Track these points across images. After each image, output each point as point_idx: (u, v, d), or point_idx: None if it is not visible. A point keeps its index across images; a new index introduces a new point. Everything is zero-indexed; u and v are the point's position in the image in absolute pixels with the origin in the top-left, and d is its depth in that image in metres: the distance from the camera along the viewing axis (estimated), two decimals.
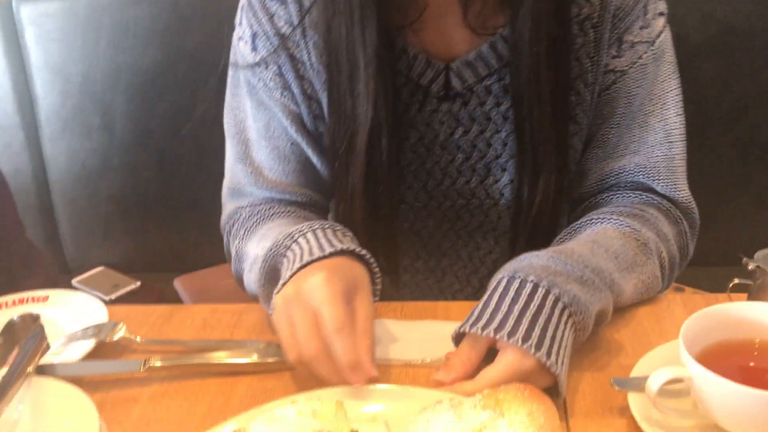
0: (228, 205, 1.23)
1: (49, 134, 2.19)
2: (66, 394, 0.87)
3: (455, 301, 1.17)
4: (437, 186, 1.17)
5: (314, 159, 1.18)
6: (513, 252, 1.18)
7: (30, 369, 0.90)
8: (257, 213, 1.15)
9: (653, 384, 0.79)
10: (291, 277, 0.92)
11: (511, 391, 0.78)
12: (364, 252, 0.97)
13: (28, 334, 0.94)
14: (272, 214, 1.13)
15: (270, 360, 1.01)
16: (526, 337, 0.79)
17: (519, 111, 1.08)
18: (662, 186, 1.14)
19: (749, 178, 1.92)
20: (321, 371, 0.89)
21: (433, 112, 1.12)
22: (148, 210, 2.28)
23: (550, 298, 0.83)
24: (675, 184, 1.14)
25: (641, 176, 1.13)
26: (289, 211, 1.14)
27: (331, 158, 1.15)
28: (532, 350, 0.79)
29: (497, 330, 0.83)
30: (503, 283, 0.85)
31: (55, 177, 2.24)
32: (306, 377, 0.97)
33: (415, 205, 1.19)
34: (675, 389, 0.87)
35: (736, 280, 0.99)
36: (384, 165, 1.09)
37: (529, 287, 0.83)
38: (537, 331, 0.80)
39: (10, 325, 0.99)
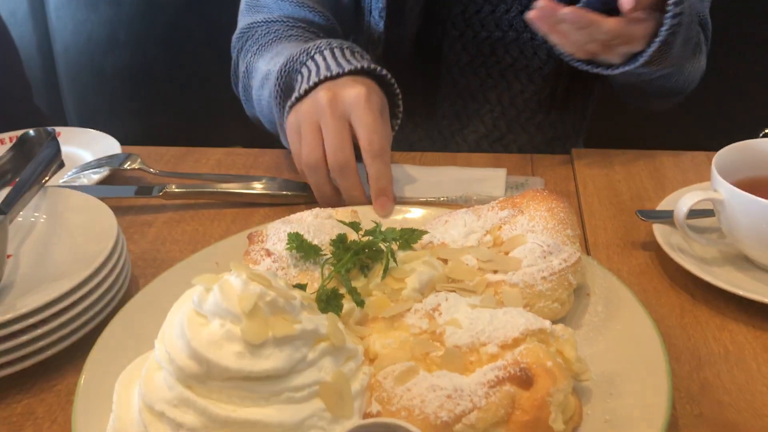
0: (242, 21, 1.18)
1: (54, 3, 2.13)
2: (83, 201, 0.86)
3: (476, 153, 1.15)
4: (476, 13, 1.13)
5: None
6: (553, 87, 1.16)
7: (45, 179, 0.88)
8: (273, 31, 1.10)
9: (683, 206, 0.78)
10: (316, 85, 0.89)
11: (527, 194, 0.77)
12: (384, 72, 0.94)
13: (42, 148, 0.91)
14: (289, 36, 1.08)
15: (286, 193, 0.99)
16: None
17: None
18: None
19: None
20: (342, 182, 0.88)
21: None
22: (155, 88, 2.23)
23: None
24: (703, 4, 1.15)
25: None
26: (306, 37, 1.10)
27: None
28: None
29: None
30: None
31: (60, 49, 2.18)
32: None
33: (452, 34, 1.15)
34: (701, 225, 0.86)
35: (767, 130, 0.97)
36: None
37: None
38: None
39: (24, 139, 0.97)
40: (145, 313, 0.70)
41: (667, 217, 0.84)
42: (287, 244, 0.71)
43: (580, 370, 0.61)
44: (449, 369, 0.58)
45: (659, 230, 0.84)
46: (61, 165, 0.94)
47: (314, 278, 0.70)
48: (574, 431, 0.59)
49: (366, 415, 0.56)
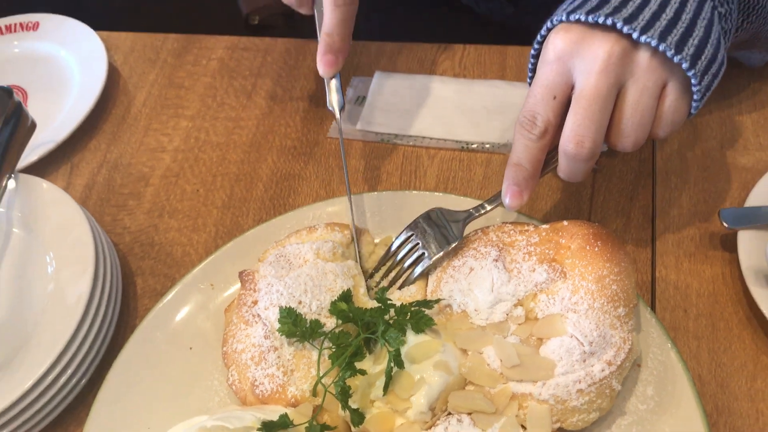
0: None
1: None
2: (54, 198, 0.74)
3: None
4: None
5: None
6: None
7: (13, 164, 0.75)
8: None
9: None
10: None
11: (576, 239, 0.61)
12: None
13: (2, 115, 0.76)
14: None
15: None
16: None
17: None
18: None
19: None
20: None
21: None
22: None
23: None
24: None
25: None
26: None
27: None
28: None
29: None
30: None
31: None
32: None
33: None
34: None
35: None
36: None
37: None
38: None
39: None
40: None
41: (756, 219, 0.67)
42: (279, 321, 0.61)
43: None
44: None
45: (745, 242, 0.67)
46: (33, 128, 0.79)
47: (312, 362, 0.61)
48: None
49: None
